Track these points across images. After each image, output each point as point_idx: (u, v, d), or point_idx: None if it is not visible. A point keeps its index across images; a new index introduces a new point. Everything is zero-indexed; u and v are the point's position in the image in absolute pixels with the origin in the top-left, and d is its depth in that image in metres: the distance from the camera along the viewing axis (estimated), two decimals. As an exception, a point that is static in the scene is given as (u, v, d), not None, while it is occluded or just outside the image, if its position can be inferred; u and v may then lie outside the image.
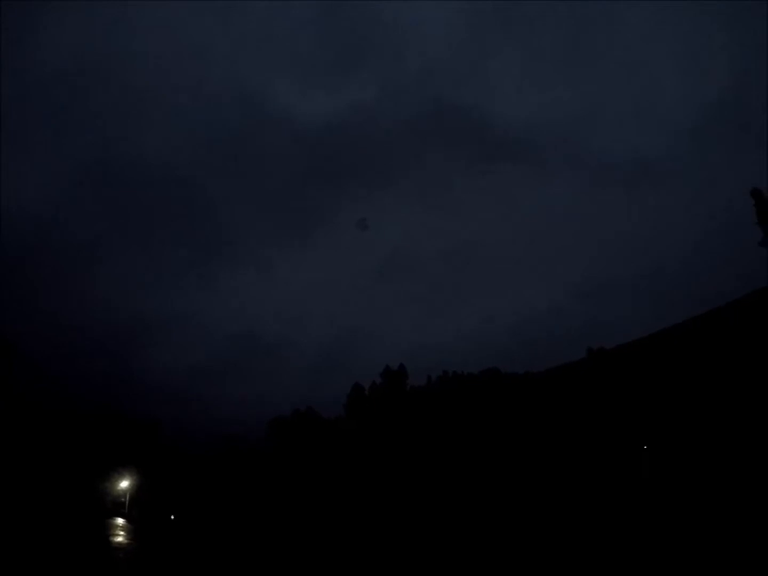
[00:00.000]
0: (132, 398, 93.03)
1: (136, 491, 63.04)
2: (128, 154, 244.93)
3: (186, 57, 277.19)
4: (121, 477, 60.30)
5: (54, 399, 59.93)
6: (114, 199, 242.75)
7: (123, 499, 60.42)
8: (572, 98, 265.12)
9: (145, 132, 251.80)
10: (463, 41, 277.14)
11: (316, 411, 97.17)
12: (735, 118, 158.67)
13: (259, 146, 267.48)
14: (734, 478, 30.34)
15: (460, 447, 65.30)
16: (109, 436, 64.36)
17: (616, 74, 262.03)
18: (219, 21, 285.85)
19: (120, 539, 42.78)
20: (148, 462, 68.53)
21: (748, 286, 38.78)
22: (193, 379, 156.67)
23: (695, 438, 36.02)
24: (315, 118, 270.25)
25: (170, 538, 51.15)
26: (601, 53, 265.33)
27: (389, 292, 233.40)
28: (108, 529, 46.75)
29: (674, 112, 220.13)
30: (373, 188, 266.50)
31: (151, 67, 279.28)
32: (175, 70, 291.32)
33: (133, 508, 61.55)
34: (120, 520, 54.31)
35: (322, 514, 69.88)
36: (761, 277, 36.14)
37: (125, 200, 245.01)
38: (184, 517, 69.06)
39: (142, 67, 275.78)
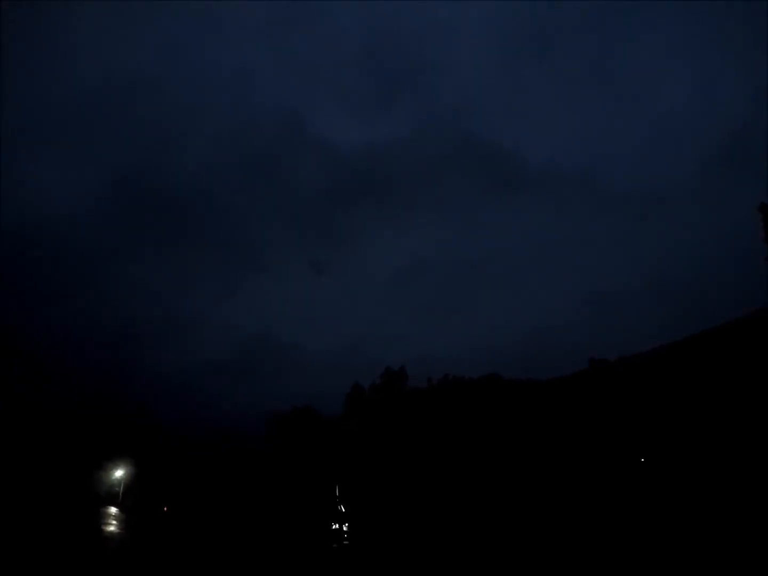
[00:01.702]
0: (136, 392, 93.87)
1: (131, 482, 63.15)
2: (168, 165, 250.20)
3: (233, 78, 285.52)
4: (116, 467, 60.40)
5: (56, 393, 60.36)
6: (150, 207, 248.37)
7: (117, 489, 60.53)
8: (592, 130, 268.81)
9: (185, 146, 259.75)
10: (493, 79, 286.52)
11: (315, 409, 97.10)
12: (751, 145, 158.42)
13: (292, 166, 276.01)
14: (734, 490, 30.08)
15: (457, 449, 65.13)
16: (106, 427, 64.62)
17: (636, 106, 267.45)
18: (268, 47, 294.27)
19: (112, 528, 42.80)
20: (145, 454, 68.68)
21: (754, 301, 38.51)
22: (197, 377, 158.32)
23: (694, 452, 35.75)
24: (349, 144, 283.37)
25: (162, 530, 51.17)
26: (622, 84, 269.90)
27: (400, 300, 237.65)
28: (101, 518, 46.76)
29: (689, 144, 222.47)
30: (395, 209, 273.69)
31: (198, 85, 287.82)
32: (221, 90, 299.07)
33: (127, 498, 61.63)
34: (113, 509, 54.36)
35: (316, 509, 69.90)
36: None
37: (160, 209, 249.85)
38: (178, 510, 69.17)
39: (190, 85, 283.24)
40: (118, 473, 60.50)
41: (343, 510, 71.10)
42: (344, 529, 69.53)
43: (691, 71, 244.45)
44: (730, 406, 34.06)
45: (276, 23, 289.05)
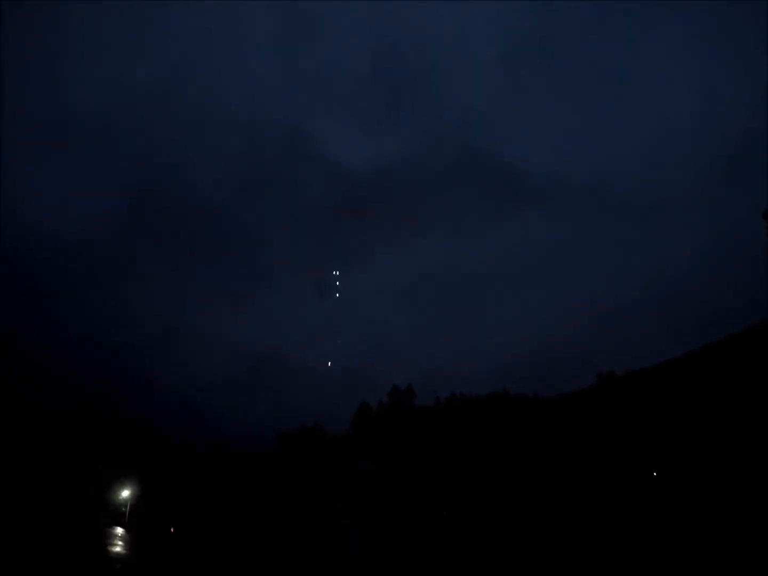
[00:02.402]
0: (144, 410, 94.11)
1: (138, 501, 62.80)
2: (178, 180, 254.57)
3: (242, 95, 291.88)
4: (123, 486, 60.18)
5: (67, 406, 60.62)
6: (159, 223, 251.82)
7: (124, 509, 60.19)
8: (595, 138, 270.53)
9: (194, 163, 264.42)
10: (496, 91, 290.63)
11: (323, 428, 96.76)
12: (756, 156, 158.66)
13: (300, 183, 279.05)
14: (749, 505, 29.52)
15: (466, 468, 64.40)
16: (112, 445, 64.60)
17: (638, 114, 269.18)
18: (276, 64, 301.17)
19: (118, 549, 42.46)
20: (152, 474, 68.43)
21: (762, 308, 38.24)
22: (205, 393, 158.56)
23: (706, 465, 35.17)
24: (356, 160, 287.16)
25: (168, 551, 50.68)
26: (625, 90, 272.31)
27: (407, 315, 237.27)
28: (106, 539, 46.43)
29: (692, 154, 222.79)
30: (401, 224, 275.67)
31: (207, 102, 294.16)
32: (230, 107, 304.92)
33: (134, 518, 61.24)
34: (119, 530, 54.01)
35: (324, 528, 69.11)
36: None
37: (169, 225, 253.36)
38: (185, 530, 68.57)
39: (199, 101, 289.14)
40: (125, 493, 60.27)
41: (352, 529, 70.26)
42: (353, 548, 68.66)
43: (694, 76, 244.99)
44: (744, 417, 33.59)
45: (284, 41, 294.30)
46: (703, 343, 42.86)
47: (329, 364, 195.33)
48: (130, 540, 49.72)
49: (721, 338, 40.90)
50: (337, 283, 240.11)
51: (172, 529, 67.84)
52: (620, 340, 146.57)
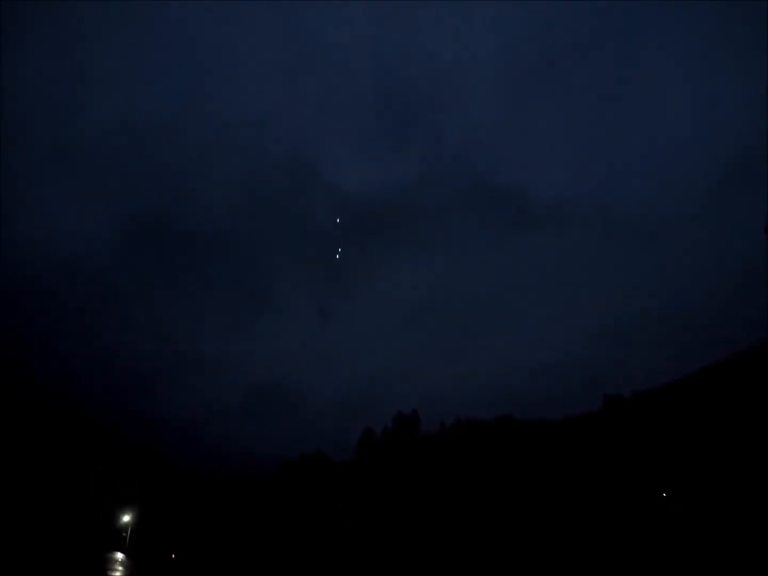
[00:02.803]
0: (147, 434, 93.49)
1: (139, 527, 61.76)
2: (183, 206, 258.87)
3: (245, 121, 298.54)
4: (124, 511, 59.33)
5: (68, 430, 60.34)
6: (164, 248, 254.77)
7: (124, 534, 59.17)
8: (598, 166, 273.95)
9: (198, 189, 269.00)
10: (498, 116, 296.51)
11: (326, 454, 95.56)
12: (757, 171, 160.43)
13: (303, 209, 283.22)
14: (759, 527, 28.93)
15: (472, 495, 63.29)
16: (116, 470, 64.00)
17: (640, 136, 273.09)
18: (282, 89, 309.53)
19: (118, 575, 41.71)
20: (153, 499, 67.56)
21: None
22: (207, 420, 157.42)
23: (716, 486, 34.56)
24: (359, 186, 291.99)
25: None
26: (625, 116, 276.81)
27: (411, 342, 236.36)
28: (106, 564, 45.65)
29: (694, 172, 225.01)
30: (404, 250, 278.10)
31: (211, 129, 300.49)
32: (233, 133, 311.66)
33: (135, 543, 60.12)
34: (120, 555, 53.02)
35: (327, 557, 67.65)
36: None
37: (172, 252, 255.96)
38: (186, 557, 67.21)
39: (203, 128, 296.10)
40: (126, 517, 59.36)
41: (356, 558, 68.76)
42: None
43: (695, 90, 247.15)
44: (754, 436, 33.20)
45: (287, 68, 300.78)
46: (712, 361, 42.64)
47: (333, 389, 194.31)
48: (130, 565, 48.82)
49: (728, 355, 40.70)
50: (341, 309, 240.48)
51: (173, 555, 66.54)
52: (626, 360, 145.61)
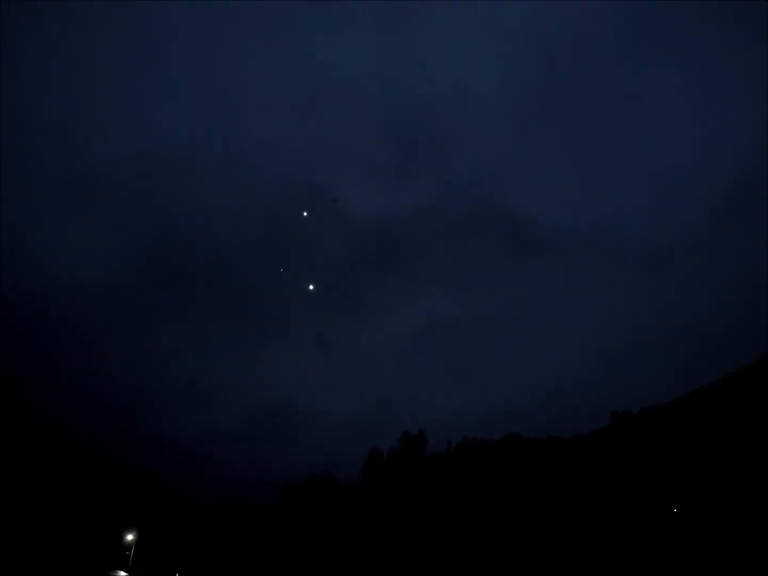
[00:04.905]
0: (151, 458, 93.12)
1: (142, 545, 61.11)
2: (193, 233, 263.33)
3: (260, 150, 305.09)
4: (127, 530, 58.82)
5: (75, 452, 60.47)
6: (176, 274, 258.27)
7: (128, 552, 58.54)
8: (603, 190, 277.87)
9: (211, 215, 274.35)
10: (507, 148, 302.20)
11: (332, 475, 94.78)
12: (758, 194, 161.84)
13: (315, 234, 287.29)
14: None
15: (477, 514, 62.41)
16: (120, 492, 63.78)
17: (645, 162, 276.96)
18: (297, 120, 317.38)
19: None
20: (156, 521, 67.11)
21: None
22: (214, 443, 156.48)
23: (724, 498, 34.12)
24: (369, 213, 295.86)
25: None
26: (629, 145, 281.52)
27: (419, 363, 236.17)
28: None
29: (696, 197, 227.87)
30: (413, 275, 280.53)
31: (223, 159, 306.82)
32: (245, 162, 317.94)
33: (138, 562, 59.40)
34: (122, 574, 52.40)
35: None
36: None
37: (180, 278, 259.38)
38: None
39: (215, 158, 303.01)
40: (129, 536, 58.82)
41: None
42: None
43: (696, 118, 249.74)
44: (756, 449, 32.92)
45: (299, 98, 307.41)
46: (715, 378, 42.60)
47: (342, 411, 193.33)
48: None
49: (731, 372, 40.70)
50: (350, 333, 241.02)
51: (176, 575, 65.75)
52: (633, 379, 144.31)
